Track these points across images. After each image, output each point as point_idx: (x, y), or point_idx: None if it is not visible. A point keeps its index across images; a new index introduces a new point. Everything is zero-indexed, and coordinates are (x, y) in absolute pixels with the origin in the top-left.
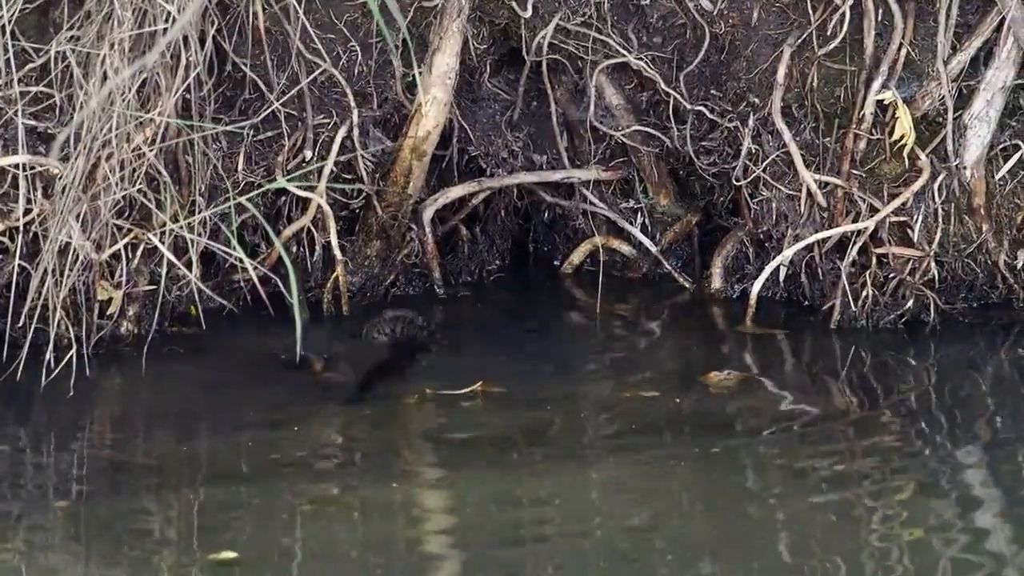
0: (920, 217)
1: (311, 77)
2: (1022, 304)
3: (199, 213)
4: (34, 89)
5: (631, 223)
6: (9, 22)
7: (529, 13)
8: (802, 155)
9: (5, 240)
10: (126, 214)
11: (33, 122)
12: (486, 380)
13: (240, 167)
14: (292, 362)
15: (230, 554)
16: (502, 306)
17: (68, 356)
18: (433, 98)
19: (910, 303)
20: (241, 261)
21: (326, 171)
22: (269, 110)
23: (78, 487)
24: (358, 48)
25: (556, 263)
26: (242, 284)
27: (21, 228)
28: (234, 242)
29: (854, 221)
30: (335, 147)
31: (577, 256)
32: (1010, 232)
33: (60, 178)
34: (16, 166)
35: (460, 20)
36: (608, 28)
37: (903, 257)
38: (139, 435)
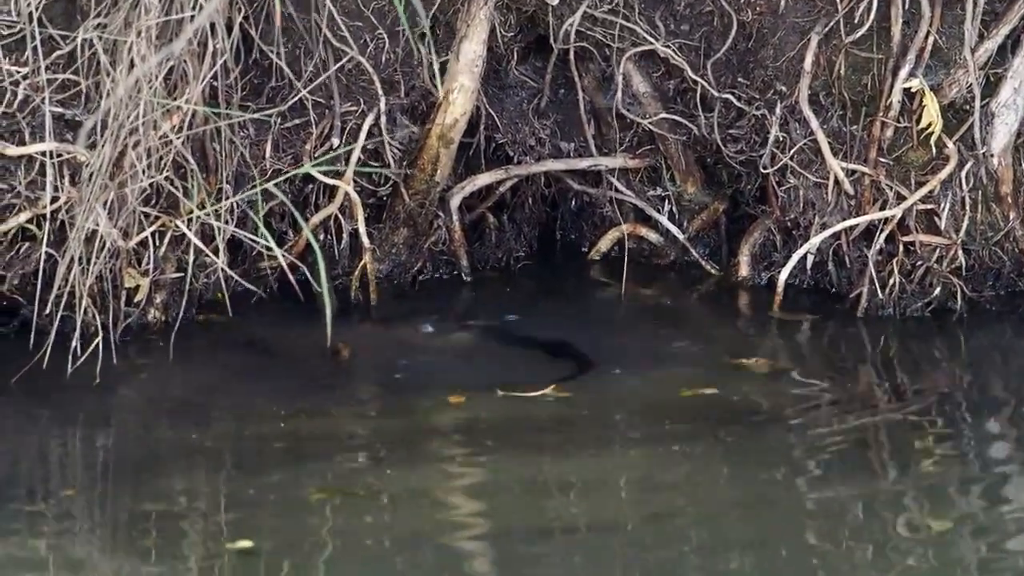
0: (947, 205)
1: (338, 65)
2: None
3: (226, 200)
4: (61, 76)
5: (658, 211)
6: (36, 9)
7: (556, 1)
8: (829, 143)
9: (32, 228)
10: (153, 202)
11: (60, 109)
12: (558, 384)
13: (268, 154)
14: (320, 350)
15: (246, 543)
16: (529, 293)
17: (94, 343)
18: (460, 85)
19: (937, 291)
20: (268, 248)
21: (353, 158)
22: (296, 98)
23: (104, 474)
24: (385, 35)
25: (583, 251)
26: (269, 272)
27: (48, 215)
28: (262, 229)
29: (881, 209)
30: (362, 134)
31: (604, 244)
32: None
33: (87, 165)
34: (43, 153)
35: (487, 7)
36: (635, 16)
37: (930, 245)
38: (165, 423)
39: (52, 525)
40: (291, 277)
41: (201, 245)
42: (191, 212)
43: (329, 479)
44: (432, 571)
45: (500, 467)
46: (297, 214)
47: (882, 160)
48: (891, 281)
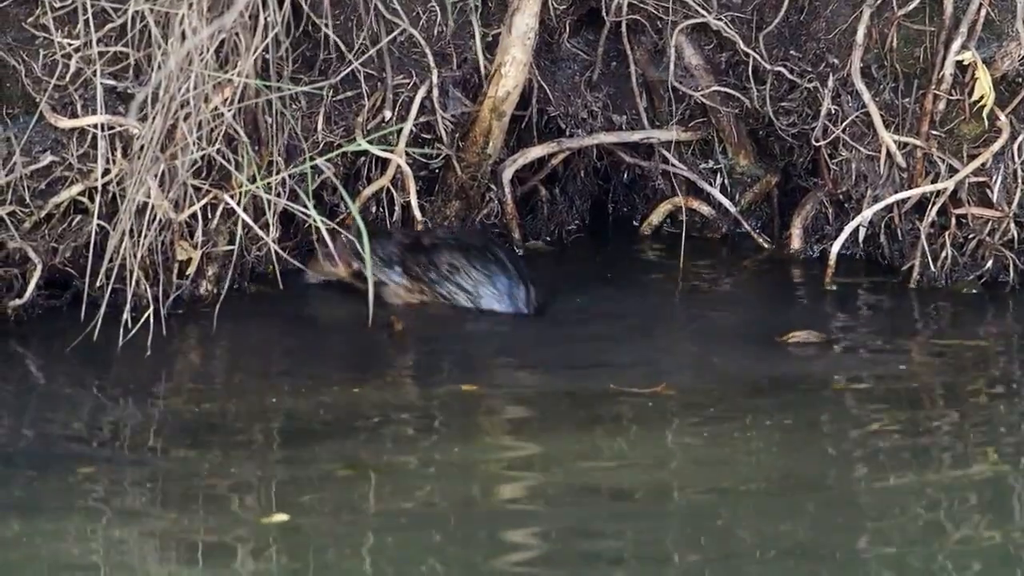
0: (999, 178)
1: (390, 37)
2: None
3: (277, 174)
4: (113, 49)
5: (710, 183)
6: None
7: None
8: (881, 116)
9: (84, 200)
10: (204, 174)
11: (112, 82)
12: (667, 384)
13: (319, 127)
14: (372, 323)
15: (282, 516)
16: (581, 265)
17: (145, 315)
18: (512, 58)
19: (989, 263)
20: (323, 222)
21: (405, 131)
22: (348, 70)
23: (154, 445)
24: (437, 8)
25: (635, 223)
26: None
27: (100, 188)
28: (309, 203)
29: (933, 182)
30: (415, 107)
31: (656, 216)
32: None
33: (138, 138)
34: (95, 126)
35: None
36: None
37: (982, 218)
38: (216, 394)
39: (103, 495)
40: (335, 254)
41: (249, 221)
42: (242, 185)
43: (380, 451)
44: (480, 544)
45: (553, 437)
46: (343, 191)
47: (934, 133)
48: (943, 254)
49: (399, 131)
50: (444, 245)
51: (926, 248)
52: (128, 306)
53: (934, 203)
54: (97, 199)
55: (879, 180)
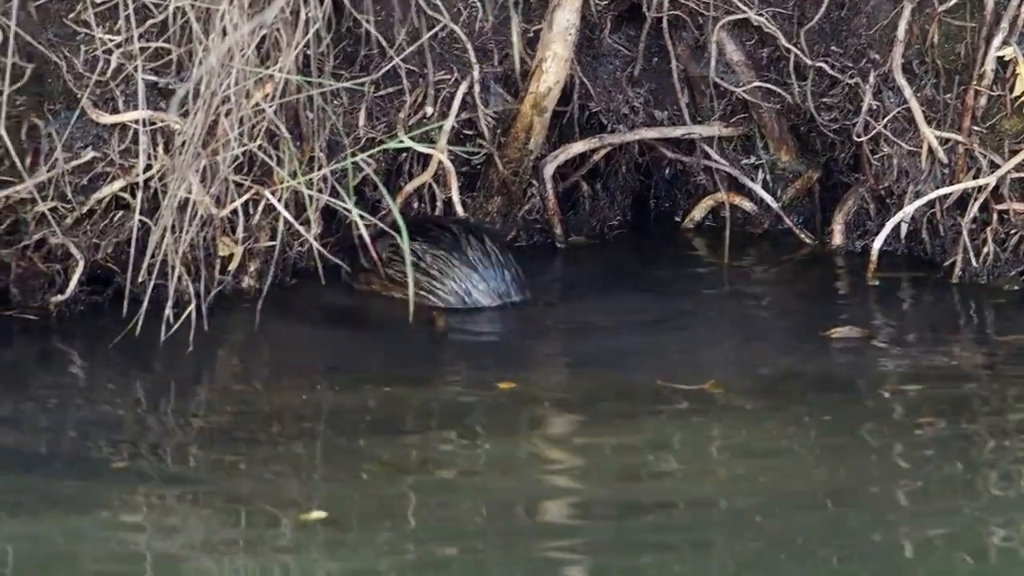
0: None
1: (431, 32)
2: None
3: (319, 170)
4: (154, 45)
5: (752, 179)
6: None
7: None
8: (923, 111)
9: (126, 196)
10: (246, 170)
11: (153, 78)
12: (714, 381)
13: (361, 123)
14: (414, 319)
15: (320, 514)
16: (623, 261)
17: (187, 311)
18: (554, 54)
19: None
20: (362, 218)
21: (447, 127)
22: (390, 66)
23: (195, 441)
24: (478, 3)
25: (677, 219)
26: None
27: (142, 184)
28: (349, 199)
29: (975, 177)
30: (456, 103)
31: (698, 212)
32: None
33: (179, 134)
34: (137, 121)
35: None
36: None
37: None
38: (257, 390)
39: (144, 488)
40: (372, 251)
41: (290, 218)
42: (284, 181)
43: (421, 448)
44: (523, 543)
45: (597, 432)
46: (383, 188)
47: (976, 128)
48: (985, 249)
49: (440, 127)
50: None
51: (968, 244)
52: (169, 302)
53: (976, 199)
54: (139, 195)
55: (921, 176)
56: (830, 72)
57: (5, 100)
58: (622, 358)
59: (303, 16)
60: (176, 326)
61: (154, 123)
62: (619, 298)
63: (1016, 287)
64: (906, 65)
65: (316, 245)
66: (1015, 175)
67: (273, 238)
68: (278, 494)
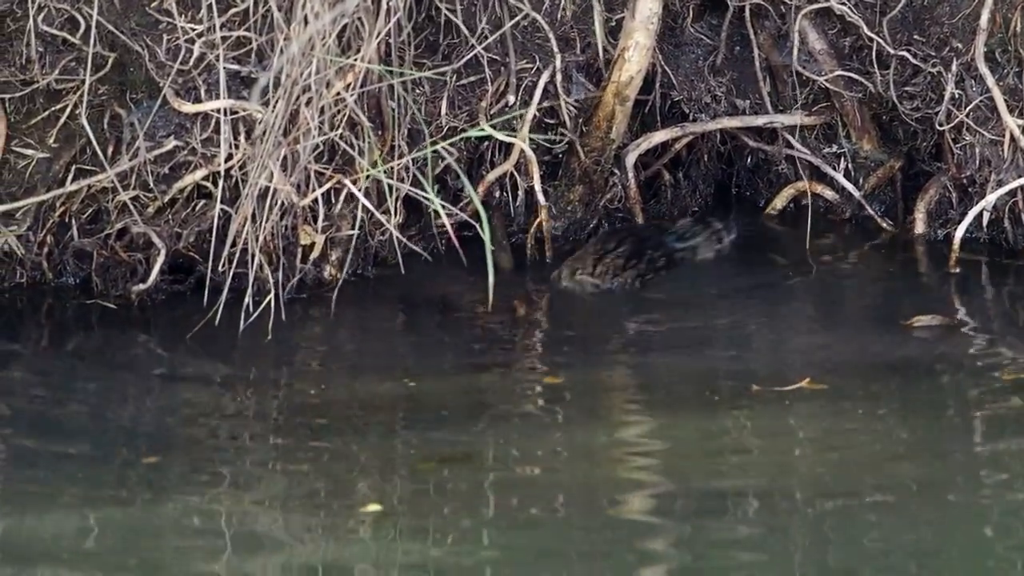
0: None
1: (514, 21)
2: None
3: (399, 159)
4: (236, 34)
5: (834, 168)
6: None
7: None
8: (1005, 100)
9: (208, 185)
10: (327, 159)
11: (235, 67)
12: (812, 378)
13: (443, 112)
14: (495, 307)
15: (376, 506)
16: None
17: (267, 300)
18: (636, 43)
19: None
20: (443, 206)
21: (529, 116)
22: (471, 55)
23: (273, 430)
24: None
25: (759, 207)
26: (439, 230)
27: (223, 173)
28: (430, 189)
29: None
30: (538, 92)
31: (780, 201)
32: None
33: (261, 123)
34: (218, 111)
35: None
36: None
37: None
38: (336, 380)
39: (224, 475)
40: (454, 239)
41: (371, 207)
42: (365, 171)
43: (501, 440)
44: (602, 535)
45: (677, 420)
46: (464, 176)
47: None
48: None
49: (522, 116)
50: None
51: None
52: (249, 290)
53: None
54: (220, 184)
55: (1003, 164)
56: (912, 61)
57: (87, 89)
58: (705, 346)
59: (384, 5)
60: (256, 315)
61: (235, 112)
62: (701, 286)
63: None
64: (988, 54)
65: (397, 234)
66: None
67: (354, 227)
68: (353, 484)
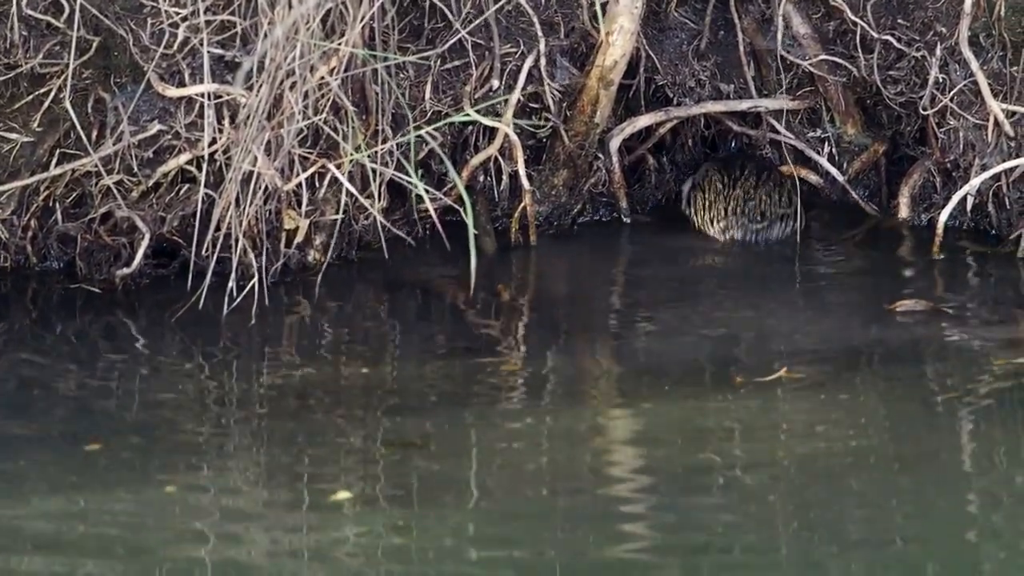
0: None
1: (498, 5)
2: None
3: (384, 143)
4: (220, 18)
5: (818, 152)
6: None
7: None
8: (989, 84)
9: (192, 169)
10: (310, 143)
11: (219, 51)
12: (790, 367)
13: (427, 97)
14: (479, 292)
15: (345, 494)
16: (687, 234)
17: (250, 284)
18: (620, 27)
19: None
20: (427, 191)
21: (512, 100)
22: (455, 39)
23: (256, 414)
24: None
25: None
26: (421, 215)
27: (207, 157)
28: (413, 173)
29: None
30: (522, 76)
31: None
32: None
33: (244, 107)
34: (202, 95)
35: None
36: None
37: None
38: (319, 364)
39: (207, 460)
40: (438, 224)
41: (355, 191)
42: (349, 155)
43: (488, 421)
44: (589, 517)
45: (661, 406)
46: (448, 161)
47: None
48: None
49: (506, 100)
50: None
51: None
52: (233, 275)
53: None
54: (204, 168)
55: (987, 149)
56: (896, 45)
57: (71, 73)
58: (687, 331)
59: None
60: (239, 299)
61: (219, 96)
62: (684, 272)
63: None
64: (972, 38)
65: (381, 219)
66: None
67: (338, 212)
68: (335, 468)
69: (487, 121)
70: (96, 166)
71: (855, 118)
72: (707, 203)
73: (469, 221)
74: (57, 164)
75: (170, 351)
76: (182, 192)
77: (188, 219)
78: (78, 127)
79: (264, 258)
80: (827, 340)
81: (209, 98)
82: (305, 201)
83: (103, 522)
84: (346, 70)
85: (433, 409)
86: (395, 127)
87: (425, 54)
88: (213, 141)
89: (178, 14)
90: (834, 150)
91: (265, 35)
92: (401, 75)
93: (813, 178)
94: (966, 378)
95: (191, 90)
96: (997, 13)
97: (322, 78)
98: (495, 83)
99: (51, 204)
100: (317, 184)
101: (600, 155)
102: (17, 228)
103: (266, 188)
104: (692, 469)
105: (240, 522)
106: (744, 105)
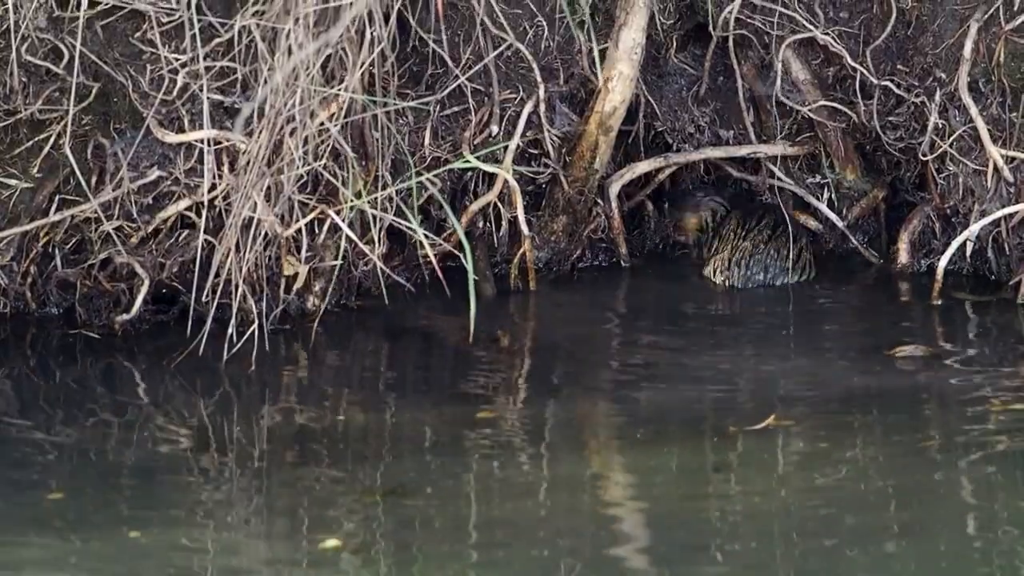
0: None
1: (497, 51)
2: None
3: (383, 190)
4: (219, 64)
5: (818, 198)
6: None
7: None
8: (989, 130)
9: (191, 215)
10: (310, 189)
11: (219, 97)
12: (778, 414)
13: (426, 142)
14: (478, 337)
15: (334, 542)
16: (688, 281)
17: (250, 330)
18: (619, 73)
19: None
20: (427, 237)
21: (512, 146)
22: (455, 85)
23: (256, 459)
24: (544, 23)
25: None
26: (423, 261)
27: (207, 203)
28: (413, 219)
29: None
30: (521, 122)
31: None
32: None
33: (244, 153)
34: (202, 141)
35: None
36: (794, 3)
37: None
38: (319, 410)
39: (206, 505)
40: (438, 270)
41: (354, 237)
42: (349, 201)
43: (486, 469)
44: (588, 566)
45: (657, 460)
46: (447, 207)
47: None
48: None
49: (506, 147)
50: None
51: None
52: (233, 321)
53: None
54: (204, 214)
55: (986, 194)
56: (896, 91)
57: (71, 119)
58: (686, 377)
59: (368, 35)
60: (239, 345)
61: (219, 142)
62: (683, 317)
63: None
64: (972, 84)
65: (380, 265)
66: None
67: (337, 257)
68: (337, 514)
69: (487, 167)
70: (96, 212)
71: (854, 164)
72: (714, 248)
73: (469, 267)
74: (57, 210)
75: (170, 397)
76: (182, 238)
77: (188, 265)
78: (78, 173)
79: (264, 304)
80: (826, 385)
81: (209, 144)
82: (305, 247)
83: (99, 568)
84: (346, 116)
85: (432, 456)
86: (395, 173)
87: (425, 100)
88: (213, 187)
89: (177, 60)
90: (833, 196)
91: (265, 81)
92: (401, 121)
93: (812, 224)
94: (966, 424)
95: (191, 136)
96: (996, 59)
97: (322, 124)
98: (494, 129)
99: (50, 250)
100: (317, 230)
101: (599, 201)
102: (16, 274)
103: (266, 234)
104: (691, 521)
105: (234, 566)
106: (743, 151)
